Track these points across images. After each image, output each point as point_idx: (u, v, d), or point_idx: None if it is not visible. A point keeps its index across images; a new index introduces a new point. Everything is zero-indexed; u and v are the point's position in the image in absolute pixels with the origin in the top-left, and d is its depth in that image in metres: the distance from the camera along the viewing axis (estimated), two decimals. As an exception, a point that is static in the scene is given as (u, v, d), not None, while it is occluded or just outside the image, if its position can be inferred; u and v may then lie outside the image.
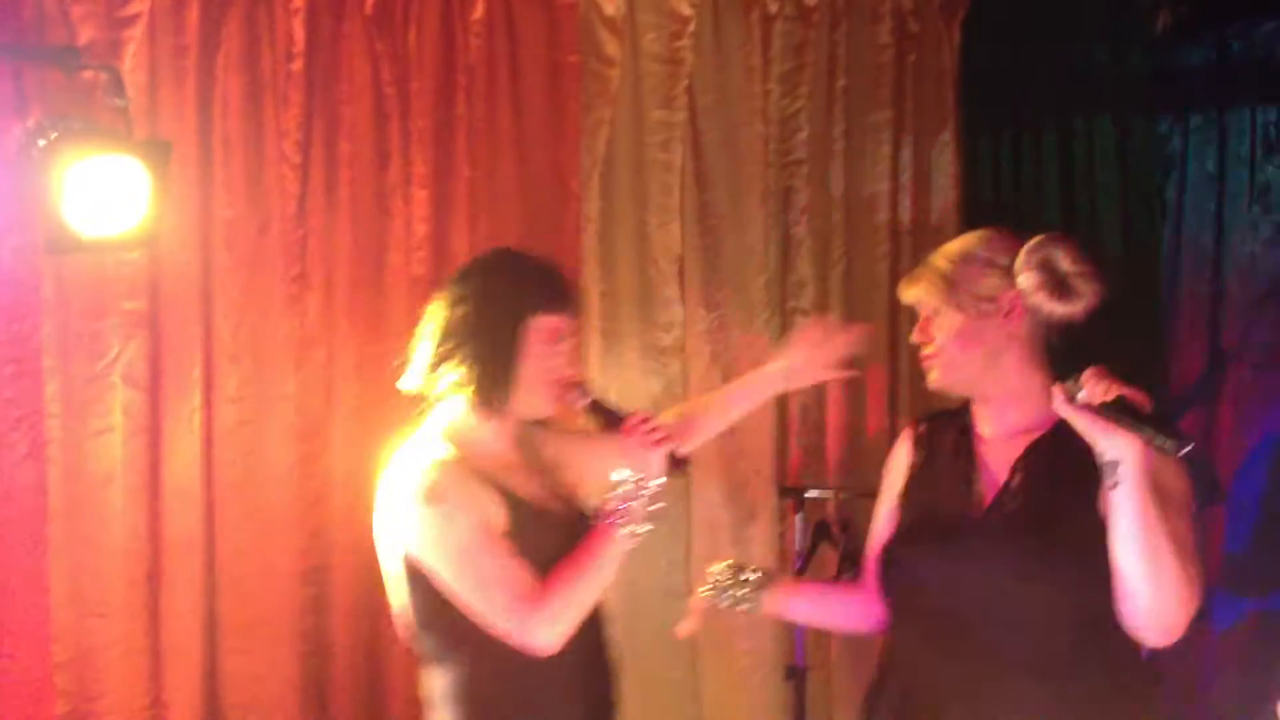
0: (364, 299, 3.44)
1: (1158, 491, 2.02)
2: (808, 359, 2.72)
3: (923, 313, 2.27)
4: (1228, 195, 4.12)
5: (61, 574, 3.16)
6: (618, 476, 2.26)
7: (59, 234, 2.83)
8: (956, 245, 2.27)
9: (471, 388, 2.33)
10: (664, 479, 2.26)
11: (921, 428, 2.40)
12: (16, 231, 3.07)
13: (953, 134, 4.02)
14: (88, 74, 3.03)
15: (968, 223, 4.02)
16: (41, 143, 2.79)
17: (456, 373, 2.33)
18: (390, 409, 3.43)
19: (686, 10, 3.75)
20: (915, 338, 2.28)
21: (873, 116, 3.97)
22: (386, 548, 2.35)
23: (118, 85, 2.97)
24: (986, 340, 2.20)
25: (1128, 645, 2.11)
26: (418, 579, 2.29)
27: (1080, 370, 2.05)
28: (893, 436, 3.92)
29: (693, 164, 3.83)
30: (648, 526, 2.26)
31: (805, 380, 2.83)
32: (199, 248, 3.29)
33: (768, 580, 2.48)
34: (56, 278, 3.16)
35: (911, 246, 3.99)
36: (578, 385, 2.36)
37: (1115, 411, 1.98)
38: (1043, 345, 2.22)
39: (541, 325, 2.33)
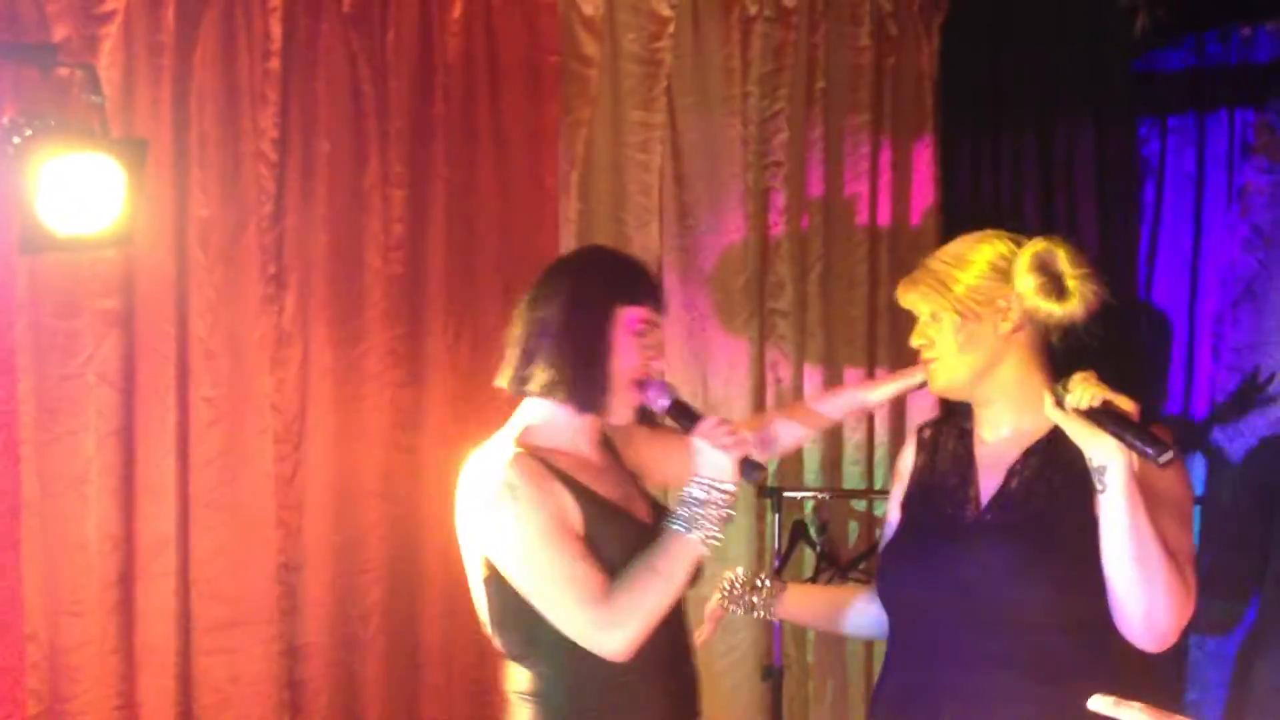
0: (340, 298, 3.43)
1: (1152, 496, 2.01)
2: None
3: (921, 316, 2.25)
4: (1206, 197, 4.13)
5: (35, 573, 3.15)
6: (691, 481, 2.21)
7: (34, 232, 2.82)
8: (953, 247, 2.25)
9: (561, 385, 2.27)
10: (736, 484, 2.20)
11: (926, 431, 2.39)
12: (-10, 229, 3.06)
13: (931, 136, 4.03)
14: (63, 71, 3.02)
15: (946, 225, 4.03)
16: (16, 140, 2.78)
17: (545, 372, 2.28)
18: (366, 409, 3.46)
19: (666, 11, 3.76)
20: (914, 341, 2.26)
21: (852, 119, 3.98)
22: (466, 547, 2.31)
23: (94, 83, 2.97)
24: (985, 344, 2.18)
25: (1126, 648, 2.09)
26: (494, 578, 2.25)
27: (1072, 375, 2.05)
28: (870, 437, 3.98)
29: (671, 165, 3.83)
30: (719, 533, 2.20)
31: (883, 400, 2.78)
32: (174, 246, 3.27)
33: (780, 587, 2.48)
34: (30, 276, 3.14)
35: (890, 248, 4.00)
36: (660, 383, 2.30)
37: (1101, 417, 1.98)
38: (1042, 348, 2.20)
39: (627, 317, 2.29)
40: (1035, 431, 2.18)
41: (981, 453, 2.25)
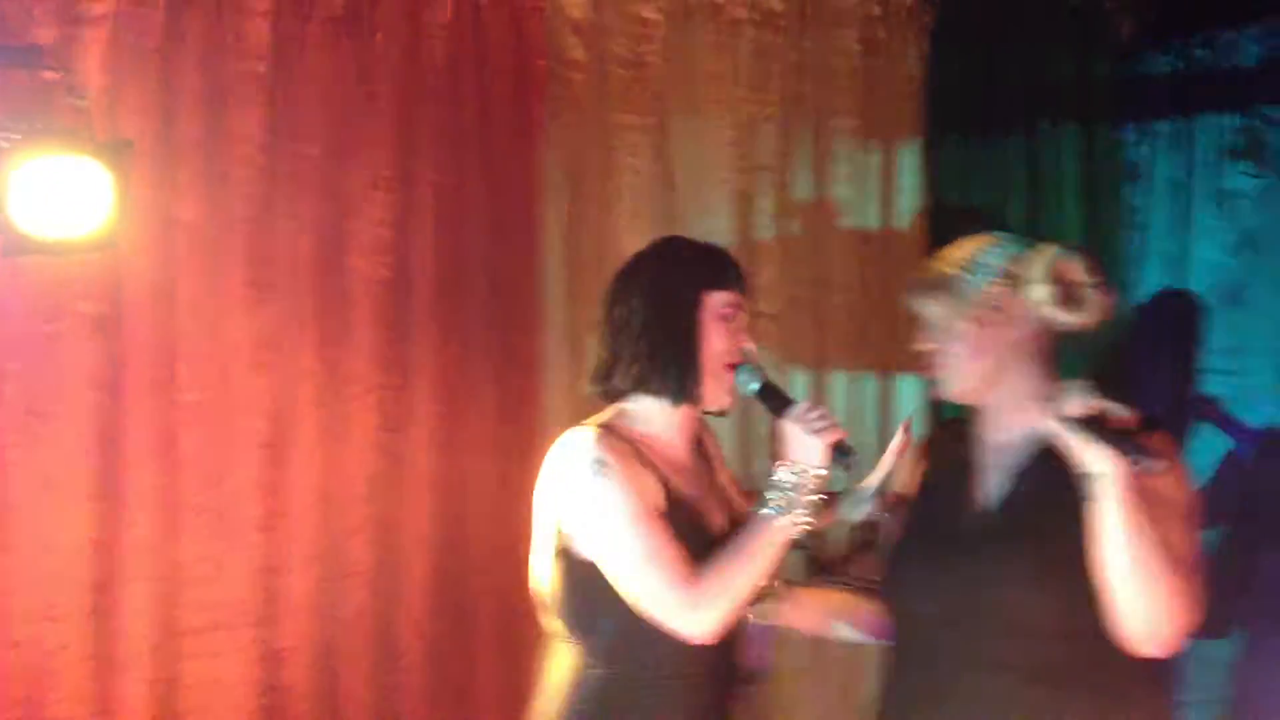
0: (326, 302, 3.42)
1: (1153, 500, 2.02)
2: None
3: (929, 322, 2.25)
4: (1193, 201, 4.15)
5: (18, 578, 3.13)
6: (781, 465, 2.21)
7: (17, 235, 2.81)
8: (963, 252, 2.25)
9: (653, 377, 2.29)
10: (826, 469, 2.20)
11: (937, 434, 2.41)
12: (-25, 232, 3.04)
13: (919, 140, 4.03)
14: (49, 74, 3.00)
15: (934, 228, 4.04)
16: (1, 143, 2.78)
17: (635, 366, 2.30)
18: (351, 412, 3.45)
19: (653, 15, 3.75)
20: (924, 346, 2.26)
21: (839, 122, 3.97)
22: (541, 520, 2.32)
23: (79, 86, 2.96)
24: (995, 349, 2.19)
25: (1127, 655, 2.09)
26: (566, 553, 2.26)
27: (1068, 383, 2.05)
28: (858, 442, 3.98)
29: (659, 168, 3.83)
30: (808, 517, 2.21)
31: None
32: (160, 250, 3.26)
33: (786, 592, 2.49)
34: (13, 279, 3.13)
35: (878, 252, 4.00)
36: (749, 365, 2.31)
37: (1094, 426, 1.99)
38: (1051, 354, 2.21)
39: (713, 302, 2.31)
40: (1045, 435, 2.16)
41: (987, 454, 2.25)
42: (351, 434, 3.45)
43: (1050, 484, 2.12)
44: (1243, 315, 4.00)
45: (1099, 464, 1.98)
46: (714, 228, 3.85)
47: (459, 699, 3.52)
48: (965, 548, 2.18)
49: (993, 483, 2.22)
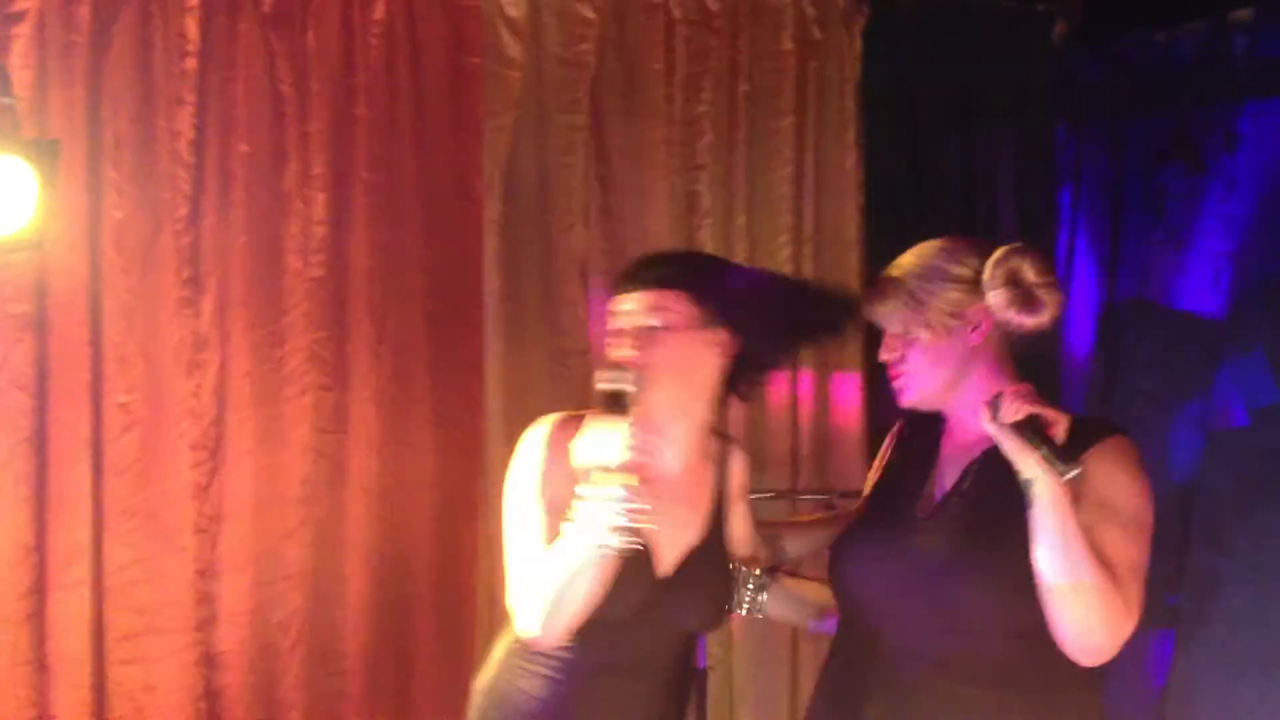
0: (260, 302, 3.39)
1: (1104, 508, 2.03)
2: None
3: (889, 330, 2.24)
4: (1122, 201, 4.20)
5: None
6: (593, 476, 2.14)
7: (-59, 235, 2.77)
8: (917, 258, 2.23)
9: None
10: (634, 484, 2.12)
11: (909, 427, 2.39)
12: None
13: (854, 140, 4.05)
14: (-27, 71, 2.96)
15: (870, 227, 4.06)
16: (-78, 141, 2.73)
17: None
18: (286, 413, 3.41)
19: (590, 14, 3.75)
20: (883, 356, 2.25)
21: (776, 122, 3.98)
22: None
23: (4, 82, 2.91)
24: (955, 356, 2.18)
25: (1054, 680, 2.10)
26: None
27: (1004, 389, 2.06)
28: (795, 441, 3.99)
29: (596, 167, 3.82)
30: (616, 539, 2.11)
31: None
32: (88, 249, 3.22)
33: (769, 582, 2.49)
34: (-62, 280, 3.08)
35: (815, 251, 4.02)
36: (611, 368, 2.25)
37: (1026, 430, 1.99)
38: (1008, 353, 2.21)
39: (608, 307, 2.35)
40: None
41: (948, 451, 2.26)
42: (287, 436, 3.41)
43: (999, 484, 2.12)
44: (1173, 313, 4.04)
45: (1028, 469, 1.99)
46: (652, 227, 3.85)
47: (397, 702, 3.49)
48: (909, 541, 2.19)
49: (947, 479, 2.23)
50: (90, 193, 3.21)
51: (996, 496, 2.12)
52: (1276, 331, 3.73)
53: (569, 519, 2.15)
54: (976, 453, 2.19)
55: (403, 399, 3.50)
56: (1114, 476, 2.08)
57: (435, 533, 3.52)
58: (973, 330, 2.17)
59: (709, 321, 2.27)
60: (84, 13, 3.19)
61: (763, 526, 2.56)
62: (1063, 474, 1.96)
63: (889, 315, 2.22)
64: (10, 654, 3.13)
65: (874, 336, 3.90)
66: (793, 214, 3.99)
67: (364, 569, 3.46)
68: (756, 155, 3.97)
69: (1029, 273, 2.15)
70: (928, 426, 2.32)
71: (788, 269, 3.98)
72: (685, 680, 2.42)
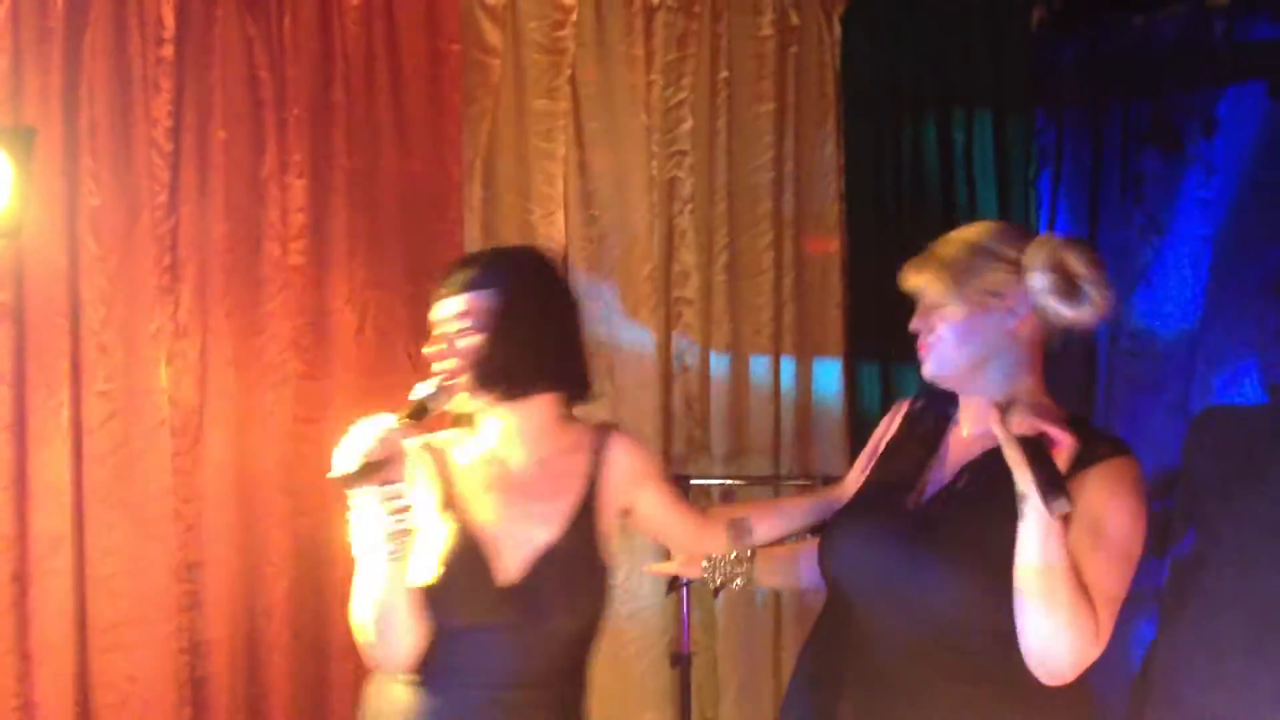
0: (239, 289, 3.38)
1: (1093, 531, 2.00)
2: None
3: (924, 301, 2.19)
4: (1101, 186, 4.20)
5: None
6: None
7: (-84, 223, 2.75)
8: (965, 235, 2.19)
9: None
10: (401, 495, 2.08)
11: (917, 404, 2.36)
12: None
13: (834, 125, 4.05)
14: (-54, 58, 2.94)
15: (849, 213, 4.07)
16: (-104, 128, 2.71)
17: None
18: (267, 401, 3.40)
19: (569, 0, 3.74)
20: (914, 326, 2.20)
21: (755, 108, 3.99)
22: None
23: (-23, 70, 2.90)
24: (986, 337, 2.13)
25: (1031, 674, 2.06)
26: None
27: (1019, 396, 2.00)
28: (776, 426, 4.00)
29: (576, 154, 3.82)
30: (389, 547, 2.09)
31: None
32: (65, 237, 3.20)
33: (754, 554, 2.51)
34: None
35: (794, 236, 4.02)
36: (431, 380, 2.22)
37: (1029, 447, 1.94)
38: (1041, 349, 2.16)
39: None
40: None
41: (952, 445, 2.24)
42: (267, 423, 3.40)
43: (994, 487, 2.09)
44: (1152, 298, 4.05)
45: (1023, 485, 1.96)
46: (631, 213, 3.85)
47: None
48: (897, 533, 2.17)
49: (945, 473, 2.21)
50: (67, 181, 3.19)
51: (989, 499, 2.09)
52: (1255, 315, 3.73)
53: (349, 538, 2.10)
54: (977, 451, 2.17)
55: (383, 385, 3.49)
56: (1110, 501, 2.03)
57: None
58: (1010, 315, 2.12)
59: (518, 319, 2.21)
60: (58, -1, 3.17)
61: (728, 510, 2.56)
62: (1051, 509, 1.90)
63: (927, 284, 2.17)
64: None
65: (856, 322, 4.02)
66: (773, 199, 4.00)
67: (346, 554, 3.44)
68: (736, 141, 3.97)
69: (1074, 263, 2.07)
70: (937, 408, 2.31)
71: (769, 255, 3.99)
72: (576, 691, 2.30)
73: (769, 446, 4.02)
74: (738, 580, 2.53)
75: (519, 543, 2.21)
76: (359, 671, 3.47)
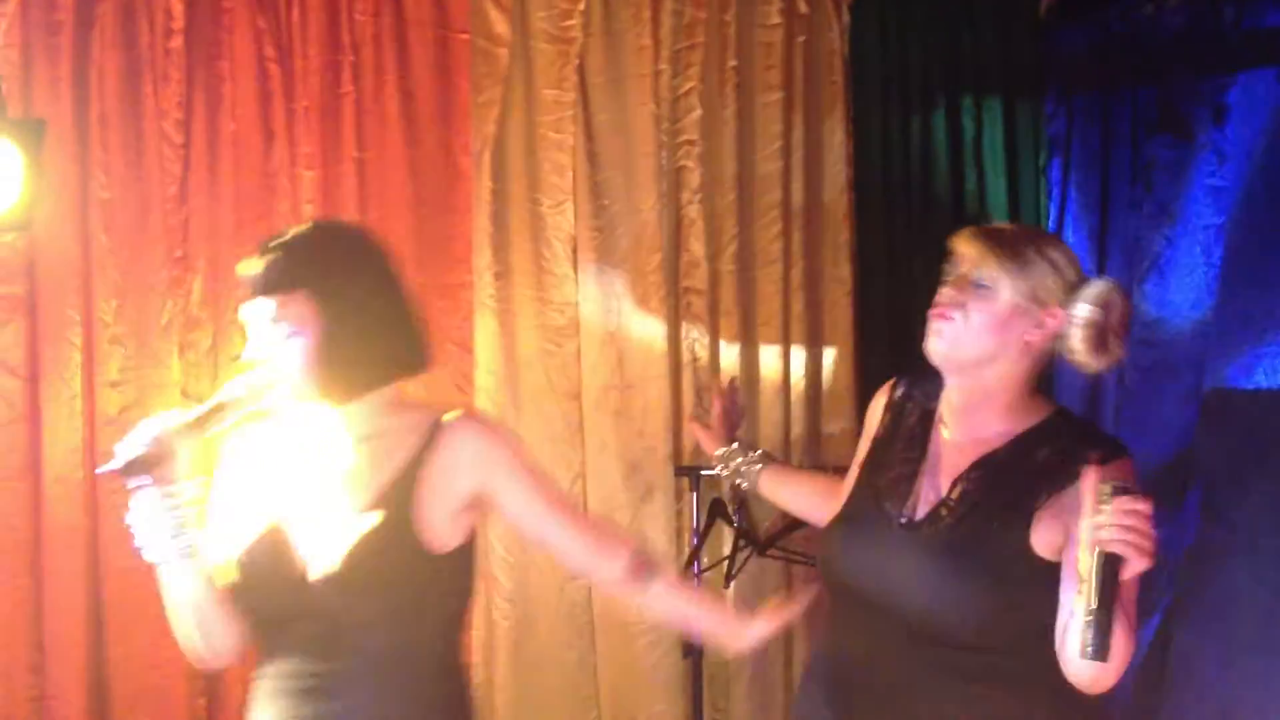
0: (251, 281, 3.38)
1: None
2: None
3: (967, 273, 2.15)
4: (1111, 174, 4.19)
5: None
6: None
7: (-72, 216, 2.76)
8: (1034, 233, 2.20)
9: None
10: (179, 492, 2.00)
11: (899, 390, 2.33)
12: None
13: (843, 114, 4.04)
14: (-43, 51, 2.95)
15: (859, 202, 4.06)
16: (-93, 122, 2.72)
17: None
18: (279, 393, 3.41)
19: (576, -11, 3.74)
20: (947, 295, 2.16)
21: (764, 97, 3.98)
22: None
23: (-12, 62, 2.91)
24: (1008, 337, 2.13)
25: (1042, 671, 2.05)
26: None
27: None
28: (786, 415, 4.00)
29: (585, 144, 3.81)
30: (174, 546, 2.02)
31: None
32: (77, 230, 3.22)
33: (766, 460, 2.66)
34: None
35: (803, 226, 4.02)
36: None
37: (1106, 569, 1.84)
38: (1041, 367, 2.18)
39: None
40: (991, 441, 2.16)
41: (937, 449, 2.23)
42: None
43: (987, 496, 2.11)
44: (1163, 286, 4.03)
45: (1080, 595, 1.88)
46: (639, 202, 3.85)
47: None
48: (891, 546, 2.17)
49: (939, 482, 2.20)
50: (78, 173, 3.21)
51: (986, 509, 2.10)
52: (1268, 303, 3.72)
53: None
54: (971, 456, 2.17)
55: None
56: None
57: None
58: (1037, 326, 2.12)
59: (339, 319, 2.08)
60: (68, -9, 3.18)
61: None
62: (1084, 650, 1.85)
63: (982, 260, 2.14)
64: (7, 634, 3.14)
65: (865, 312, 4.02)
66: (781, 189, 3.98)
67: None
68: (744, 130, 3.96)
69: (1117, 312, 2.11)
70: (919, 398, 2.29)
71: (778, 245, 3.98)
72: (440, 683, 2.14)
73: (779, 437, 4.02)
74: (740, 479, 2.69)
75: (326, 530, 2.07)
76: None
